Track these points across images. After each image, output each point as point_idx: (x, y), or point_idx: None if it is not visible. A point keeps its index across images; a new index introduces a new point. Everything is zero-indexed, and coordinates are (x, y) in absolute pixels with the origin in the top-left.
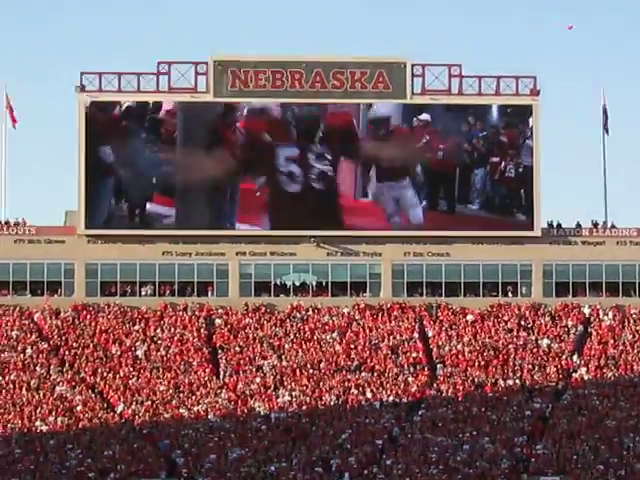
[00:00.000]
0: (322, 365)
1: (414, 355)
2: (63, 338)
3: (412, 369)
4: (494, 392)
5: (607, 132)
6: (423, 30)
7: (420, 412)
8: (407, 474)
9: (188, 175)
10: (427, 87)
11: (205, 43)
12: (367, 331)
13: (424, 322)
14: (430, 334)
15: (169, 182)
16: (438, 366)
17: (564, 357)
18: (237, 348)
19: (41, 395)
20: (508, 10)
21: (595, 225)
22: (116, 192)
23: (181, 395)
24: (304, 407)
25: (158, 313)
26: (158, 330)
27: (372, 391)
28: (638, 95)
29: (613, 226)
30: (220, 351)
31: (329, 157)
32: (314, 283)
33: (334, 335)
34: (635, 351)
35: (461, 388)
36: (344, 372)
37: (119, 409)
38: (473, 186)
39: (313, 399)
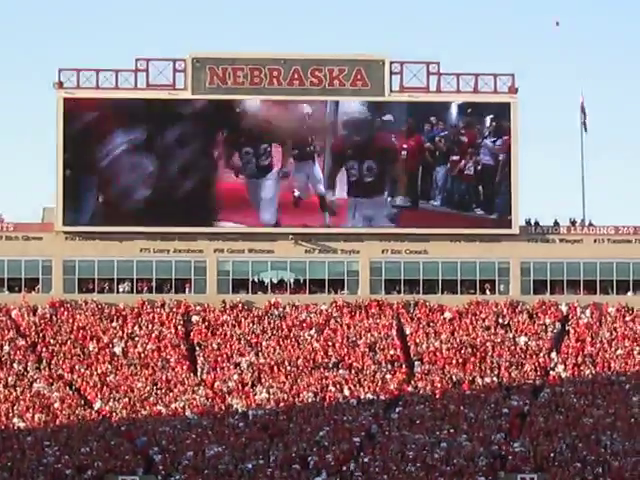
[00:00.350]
0: (300, 362)
1: (392, 352)
2: (40, 335)
3: (390, 366)
4: (472, 390)
5: (585, 130)
6: (401, 28)
7: (398, 409)
8: (385, 471)
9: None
10: (405, 85)
11: (184, 40)
12: (345, 328)
13: (402, 319)
14: (408, 331)
15: (148, 181)
16: (416, 363)
17: (542, 355)
18: (215, 345)
19: (18, 392)
20: (487, 8)
21: (573, 223)
22: (94, 190)
23: (158, 392)
24: (281, 404)
25: (136, 310)
26: (136, 327)
27: (350, 388)
28: (616, 92)
29: (591, 224)
30: (198, 348)
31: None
32: (292, 280)
33: (312, 332)
34: (612, 349)
35: (439, 385)
36: (322, 369)
37: (96, 406)
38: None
39: (291, 396)
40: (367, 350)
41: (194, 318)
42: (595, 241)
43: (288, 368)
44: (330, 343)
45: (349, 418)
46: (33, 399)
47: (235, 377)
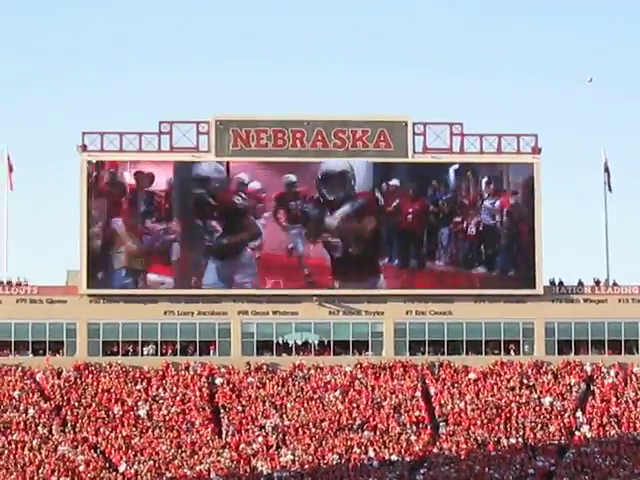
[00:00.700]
0: (324, 424)
1: (417, 414)
2: (65, 398)
3: (415, 428)
4: (497, 450)
5: (610, 189)
6: (424, 88)
7: (422, 471)
8: None
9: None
10: (429, 146)
11: (207, 102)
12: (369, 390)
13: (426, 380)
14: (432, 392)
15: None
16: (441, 424)
17: (567, 415)
18: (239, 407)
19: (43, 455)
20: (509, 69)
21: (597, 283)
22: (118, 255)
23: (183, 455)
24: (307, 466)
25: (160, 372)
26: (160, 389)
27: (375, 450)
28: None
29: (615, 284)
30: (222, 410)
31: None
32: (316, 342)
33: (336, 394)
34: (638, 409)
35: (464, 446)
36: (347, 431)
37: (121, 469)
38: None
39: (316, 458)
40: (392, 411)
41: (218, 380)
42: (620, 301)
43: (313, 430)
44: (355, 405)
45: None
46: (58, 462)
47: (260, 439)
